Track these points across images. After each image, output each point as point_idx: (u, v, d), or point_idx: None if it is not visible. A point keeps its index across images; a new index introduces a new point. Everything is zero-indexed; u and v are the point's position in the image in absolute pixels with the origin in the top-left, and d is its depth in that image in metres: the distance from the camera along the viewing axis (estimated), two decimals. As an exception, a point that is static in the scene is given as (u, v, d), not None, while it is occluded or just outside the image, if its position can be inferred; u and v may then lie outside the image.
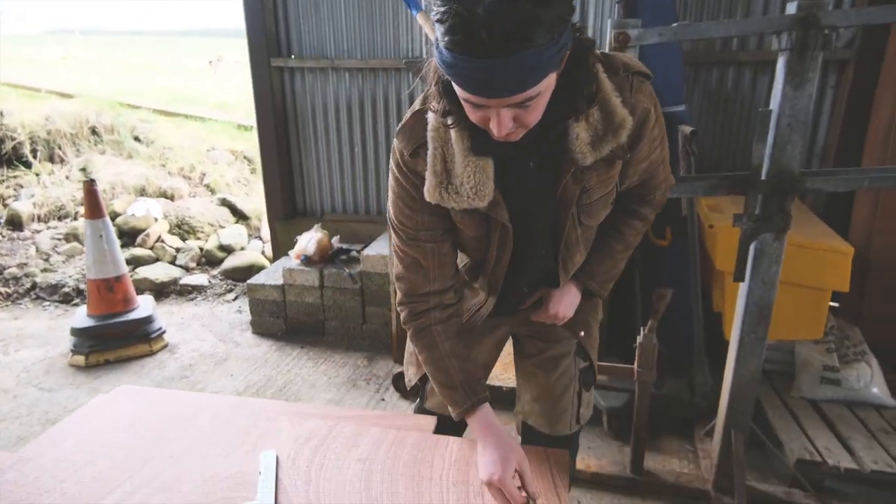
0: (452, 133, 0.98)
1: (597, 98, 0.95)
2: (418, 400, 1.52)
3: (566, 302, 1.29)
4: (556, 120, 0.94)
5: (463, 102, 0.87)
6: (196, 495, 1.14)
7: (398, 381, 2.83)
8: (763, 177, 1.62)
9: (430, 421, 1.42)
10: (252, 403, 1.49)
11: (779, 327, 2.23)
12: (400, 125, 1.06)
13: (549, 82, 0.84)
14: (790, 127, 1.56)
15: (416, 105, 1.05)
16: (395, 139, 1.06)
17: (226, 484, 1.18)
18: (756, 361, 1.86)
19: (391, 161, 1.09)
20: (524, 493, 1.06)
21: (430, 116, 1.00)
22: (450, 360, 1.15)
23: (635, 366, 1.96)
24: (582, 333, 1.36)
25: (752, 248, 1.72)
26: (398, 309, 1.21)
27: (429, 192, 1.02)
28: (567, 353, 1.36)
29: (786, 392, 2.51)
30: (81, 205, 3.56)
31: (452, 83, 0.85)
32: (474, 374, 1.16)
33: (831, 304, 2.62)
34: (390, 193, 1.12)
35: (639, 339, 1.93)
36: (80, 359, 3.15)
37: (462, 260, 1.29)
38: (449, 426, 1.39)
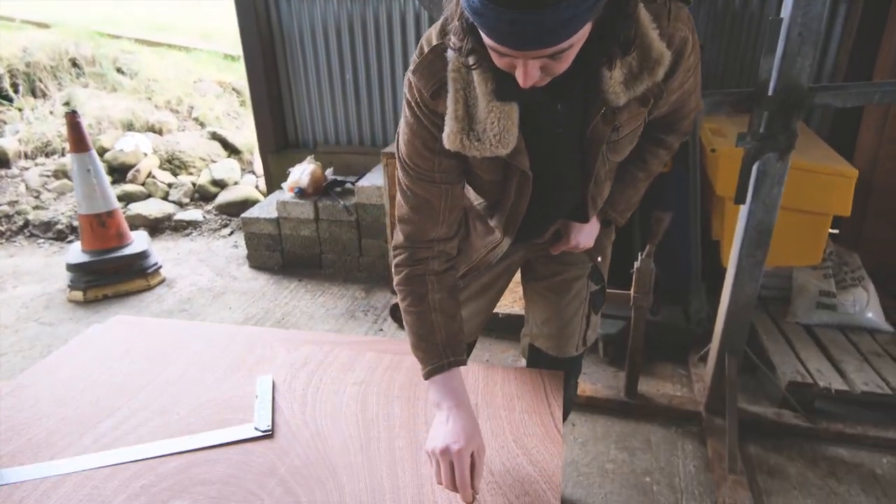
0: (475, 75, 0.89)
1: (634, 42, 0.86)
2: None
3: (586, 232, 1.25)
4: (587, 66, 0.86)
5: (488, 47, 0.80)
6: (193, 418, 1.15)
7: (396, 311, 2.85)
8: (770, 92, 1.55)
9: (426, 345, 1.42)
10: (247, 331, 1.49)
11: (777, 253, 2.21)
12: (417, 60, 0.95)
13: (584, 32, 0.76)
14: (801, 37, 1.47)
15: (433, 37, 0.94)
16: (410, 75, 0.96)
17: (223, 407, 1.19)
18: (753, 286, 1.85)
19: (407, 97, 0.98)
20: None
21: (451, 54, 0.91)
22: (436, 315, 1.06)
23: (632, 291, 1.96)
24: (599, 259, 1.33)
25: (754, 168, 1.67)
26: (394, 252, 1.11)
27: (448, 139, 0.93)
28: (581, 275, 1.34)
29: (781, 317, 2.53)
30: (67, 141, 3.47)
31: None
32: (457, 335, 1.08)
33: (831, 230, 2.61)
34: (405, 130, 1.01)
35: (636, 264, 1.92)
36: (79, 294, 3.15)
37: (478, 199, 1.22)
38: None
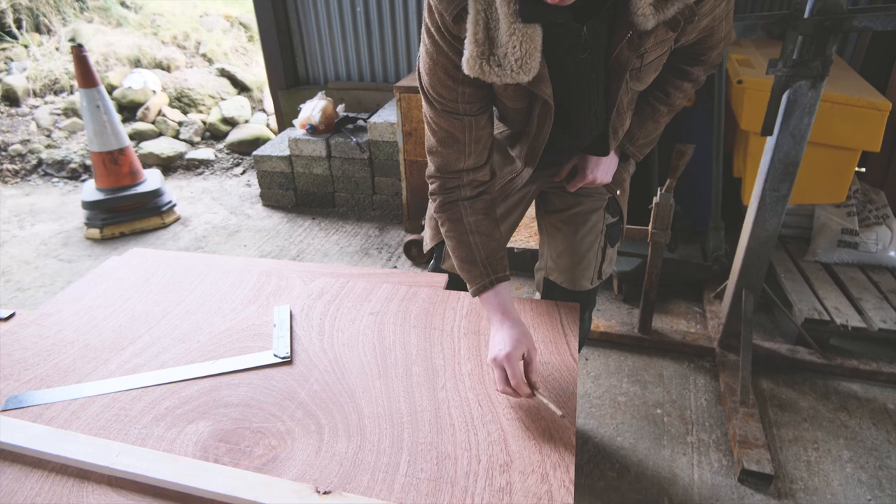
0: None
1: None
2: (433, 261, 1.50)
3: (604, 166, 1.22)
4: None
5: None
6: (213, 346, 1.17)
7: (410, 248, 2.85)
8: (806, 14, 1.46)
9: (442, 278, 1.42)
10: (262, 263, 1.49)
11: (801, 191, 2.15)
12: None
13: None
14: (845, -47, 1.37)
15: None
16: None
17: (242, 335, 1.20)
18: (775, 221, 1.81)
19: (427, 24, 0.93)
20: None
21: None
22: (473, 237, 1.08)
23: (650, 227, 1.92)
24: (619, 192, 1.30)
25: (784, 97, 1.60)
26: (428, 180, 1.13)
27: (468, 64, 0.89)
28: (597, 208, 1.31)
29: (799, 256, 2.49)
30: (75, 76, 3.42)
31: None
32: (497, 251, 1.09)
33: (858, 168, 2.53)
34: (426, 59, 0.97)
35: (655, 199, 1.88)
36: (96, 232, 3.18)
37: (500, 127, 1.21)
38: (461, 284, 1.39)
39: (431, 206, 1.13)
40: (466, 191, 1.09)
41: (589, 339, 2.20)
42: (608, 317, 2.36)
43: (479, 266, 1.08)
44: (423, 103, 1.04)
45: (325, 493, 0.82)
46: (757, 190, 1.82)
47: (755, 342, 2.08)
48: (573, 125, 1.09)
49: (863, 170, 2.84)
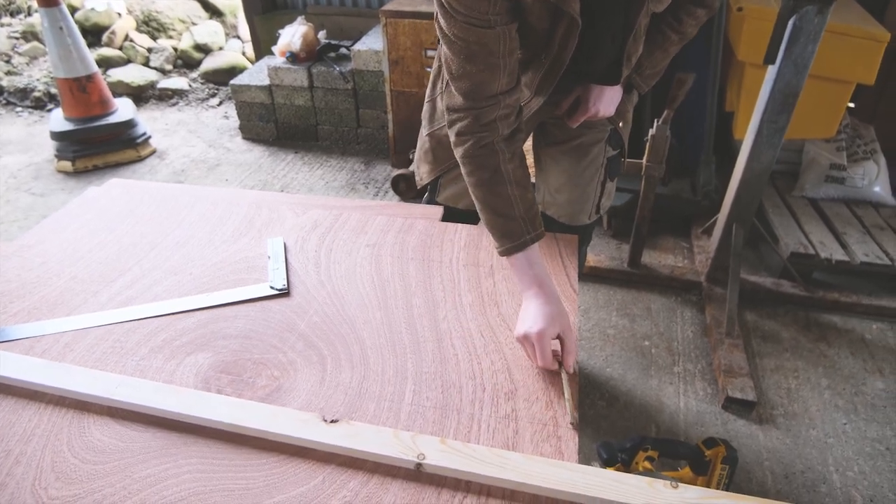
0: None
1: None
2: (427, 194, 1.46)
3: (607, 98, 1.16)
4: None
5: None
6: (207, 278, 1.14)
7: (398, 183, 2.79)
8: (821, -66, 1.40)
9: (437, 210, 1.39)
10: (250, 195, 1.44)
11: (791, 125, 2.13)
12: None
13: None
14: None
15: None
16: None
17: (235, 267, 1.17)
18: (770, 154, 1.80)
19: None
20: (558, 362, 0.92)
21: None
22: (511, 188, 0.96)
23: (644, 160, 1.90)
24: (621, 124, 1.26)
25: (789, 24, 1.55)
26: (452, 117, 0.97)
27: None
28: (599, 139, 1.27)
29: (787, 192, 2.51)
30: (33, -4, 3.19)
31: None
32: (533, 205, 0.99)
33: (849, 104, 2.50)
34: None
35: (651, 131, 1.84)
36: (67, 164, 3.05)
37: None
38: (457, 217, 1.36)
39: (457, 151, 0.99)
40: (504, 125, 0.97)
41: (579, 273, 2.21)
42: (597, 252, 2.37)
43: (517, 221, 0.96)
44: (441, 20, 0.91)
45: (331, 421, 0.81)
46: (754, 122, 1.80)
47: (741, 276, 2.11)
48: (590, 49, 1.03)
49: (852, 105, 2.82)
